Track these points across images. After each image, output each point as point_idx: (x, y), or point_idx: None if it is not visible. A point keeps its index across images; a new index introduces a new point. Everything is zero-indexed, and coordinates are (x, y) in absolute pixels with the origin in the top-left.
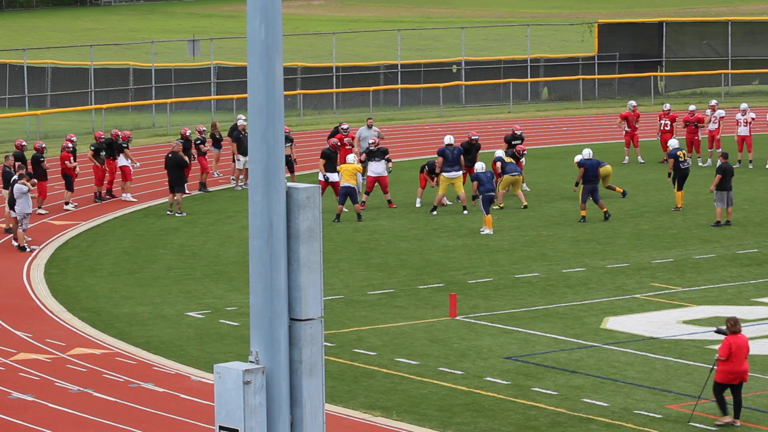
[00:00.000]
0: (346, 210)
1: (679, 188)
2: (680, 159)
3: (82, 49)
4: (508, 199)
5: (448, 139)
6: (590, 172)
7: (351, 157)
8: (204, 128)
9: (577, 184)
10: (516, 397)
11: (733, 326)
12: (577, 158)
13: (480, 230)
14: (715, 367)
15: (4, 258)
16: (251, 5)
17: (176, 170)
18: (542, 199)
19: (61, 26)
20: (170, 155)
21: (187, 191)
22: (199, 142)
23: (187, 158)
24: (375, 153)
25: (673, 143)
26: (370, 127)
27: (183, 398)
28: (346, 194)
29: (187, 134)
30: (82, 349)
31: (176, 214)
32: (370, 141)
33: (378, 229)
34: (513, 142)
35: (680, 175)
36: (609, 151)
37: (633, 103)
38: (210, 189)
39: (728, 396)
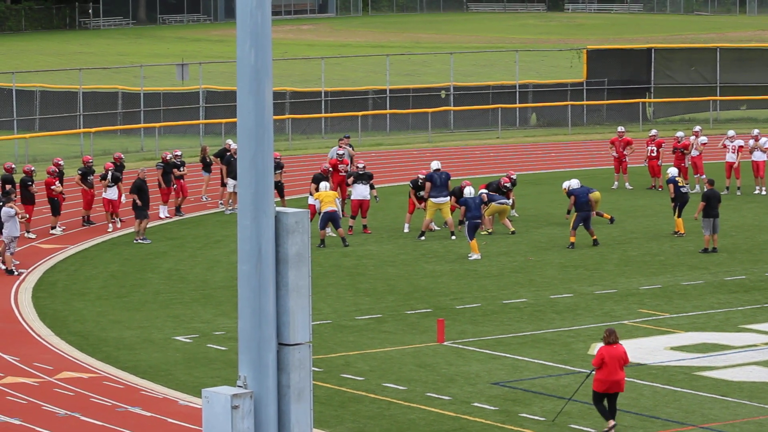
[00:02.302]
0: (333, 234)
1: (679, 215)
2: (680, 185)
3: (70, 73)
4: (495, 225)
5: (436, 165)
6: (581, 199)
7: (324, 185)
8: (179, 152)
9: (569, 212)
10: (504, 422)
11: (607, 337)
12: (565, 185)
13: (468, 256)
14: (592, 374)
15: None
16: (241, 30)
17: (137, 196)
18: (530, 224)
19: (50, 50)
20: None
21: (161, 216)
22: (172, 166)
23: (162, 183)
24: (362, 176)
25: (672, 171)
26: (341, 147)
27: (170, 423)
28: (329, 219)
29: (168, 158)
30: (69, 373)
31: (139, 241)
32: (359, 165)
33: (366, 254)
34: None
35: (681, 201)
36: (597, 177)
37: (621, 128)
38: (186, 215)
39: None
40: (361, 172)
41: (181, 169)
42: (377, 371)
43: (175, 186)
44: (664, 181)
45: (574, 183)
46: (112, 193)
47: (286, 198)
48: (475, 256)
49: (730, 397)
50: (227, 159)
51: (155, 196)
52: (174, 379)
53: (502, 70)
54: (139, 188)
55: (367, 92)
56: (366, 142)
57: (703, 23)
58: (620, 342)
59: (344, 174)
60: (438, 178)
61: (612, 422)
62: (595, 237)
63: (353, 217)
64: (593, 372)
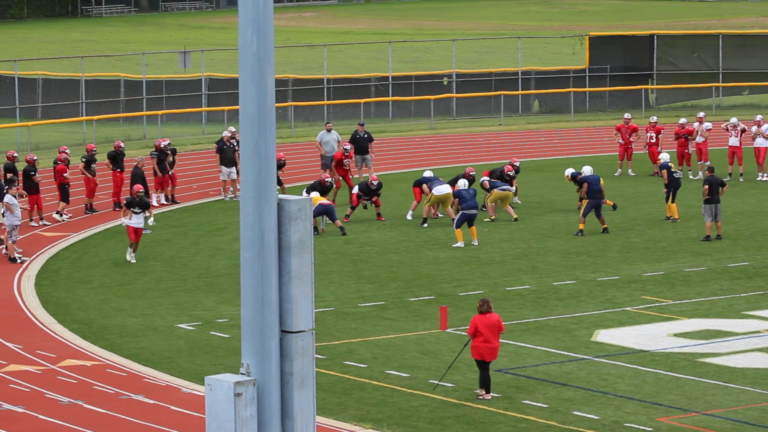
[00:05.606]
0: (329, 222)
1: (672, 200)
2: (672, 170)
3: (73, 61)
4: (498, 212)
5: (428, 173)
6: (594, 186)
7: (314, 194)
8: (168, 141)
9: (582, 200)
10: (507, 409)
11: (480, 306)
12: (568, 172)
13: (452, 245)
14: (470, 343)
15: None
16: (243, 17)
17: (134, 185)
18: (533, 211)
19: (52, 37)
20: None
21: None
22: (166, 154)
23: (157, 170)
24: (374, 191)
25: (664, 156)
26: (329, 131)
27: (173, 410)
28: (322, 211)
29: (162, 146)
30: (72, 361)
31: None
32: (374, 182)
33: (369, 241)
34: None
35: (674, 187)
36: (600, 163)
37: (627, 115)
38: (190, 202)
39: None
40: (373, 188)
41: (172, 157)
42: (380, 358)
43: (171, 173)
44: (659, 167)
45: (586, 170)
46: (137, 221)
47: (287, 186)
48: (459, 244)
49: (733, 383)
50: (219, 147)
51: (150, 184)
52: (177, 366)
53: (505, 56)
54: (141, 177)
55: (369, 79)
56: (368, 129)
57: (705, 9)
58: (493, 311)
59: (347, 168)
60: (432, 177)
61: (488, 395)
62: (605, 226)
63: (353, 208)
64: (471, 340)
